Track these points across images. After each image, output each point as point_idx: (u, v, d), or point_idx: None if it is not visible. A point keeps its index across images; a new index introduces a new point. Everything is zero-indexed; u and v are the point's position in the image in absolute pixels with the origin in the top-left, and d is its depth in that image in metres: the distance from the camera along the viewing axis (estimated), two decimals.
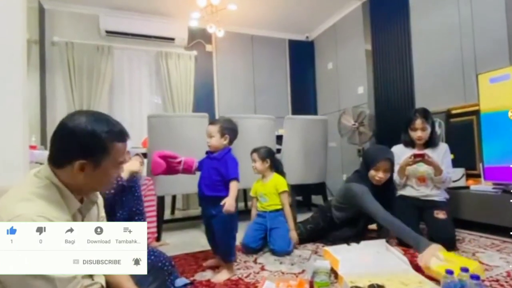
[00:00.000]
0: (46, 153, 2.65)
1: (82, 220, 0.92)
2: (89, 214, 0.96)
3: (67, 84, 3.64)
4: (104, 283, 0.96)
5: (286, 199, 2.28)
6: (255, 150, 2.30)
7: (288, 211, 2.30)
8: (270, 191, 2.25)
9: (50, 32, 3.70)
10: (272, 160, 2.29)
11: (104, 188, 0.96)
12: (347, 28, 4.18)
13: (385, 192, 2.07)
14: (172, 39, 4.11)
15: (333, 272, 1.57)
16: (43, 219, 0.74)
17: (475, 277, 1.16)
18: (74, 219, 0.87)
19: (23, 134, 2.27)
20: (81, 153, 0.81)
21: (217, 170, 1.65)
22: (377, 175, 2.01)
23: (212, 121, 1.80)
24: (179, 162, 1.70)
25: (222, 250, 1.67)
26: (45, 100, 3.61)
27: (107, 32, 3.84)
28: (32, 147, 2.62)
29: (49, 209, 0.79)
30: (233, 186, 1.61)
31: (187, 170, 1.73)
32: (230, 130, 1.74)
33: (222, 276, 1.62)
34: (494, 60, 2.47)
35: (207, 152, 1.74)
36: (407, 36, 3.31)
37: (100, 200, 1.05)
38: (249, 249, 2.05)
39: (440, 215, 2.07)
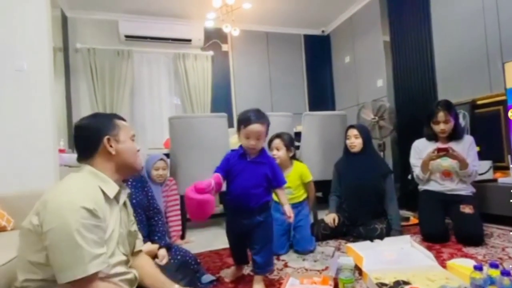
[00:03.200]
0: (74, 156, 2.77)
1: (120, 209, 1.01)
2: (123, 208, 1.04)
3: (91, 89, 3.78)
4: (137, 274, 1.02)
5: (312, 188, 2.25)
6: (278, 136, 2.11)
7: (312, 199, 2.28)
8: (295, 183, 2.14)
9: (73, 39, 3.85)
10: (294, 149, 2.19)
11: (134, 164, 1.05)
12: (364, 20, 4.10)
13: (364, 160, 2.24)
14: (189, 40, 4.17)
15: (357, 269, 1.57)
16: (83, 195, 0.86)
17: (506, 272, 1.13)
18: (111, 204, 0.96)
19: (52, 138, 2.39)
20: (103, 132, 0.98)
21: (266, 175, 1.47)
22: (350, 141, 2.27)
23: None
24: (212, 189, 1.34)
25: (263, 261, 1.48)
26: (70, 105, 3.77)
27: (126, 36, 3.94)
28: (61, 151, 2.75)
29: (88, 189, 0.90)
30: (284, 193, 1.59)
31: (218, 190, 1.41)
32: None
33: None
34: None
35: (242, 155, 1.47)
36: (428, 25, 3.21)
37: (129, 206, 1.11)
38: (278, 255, 1.93)
39: (467, 209, 2.01)
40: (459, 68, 2.92)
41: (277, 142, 2.08)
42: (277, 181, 1.51)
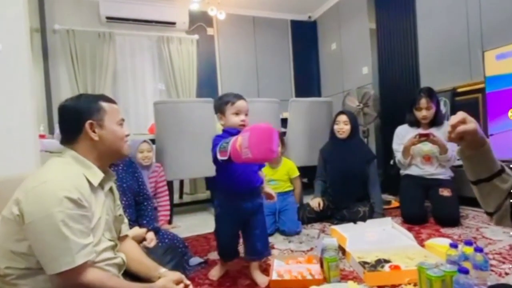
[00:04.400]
0: (54, 142, 2.69)
1: (105, 196, 0.98)
2: (108, 194, 1.02)
3: (71, 72, 3.64)
4: (124, 258, 1.03)
5: (299, 183, 2.34)
6: None
7: (299, 194, 2.37)
8: (281, 178, 2.28)
9: (51, 20, 3.66)
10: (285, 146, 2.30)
11: (121, 150, 1.00)
12: (350, 7, 4.09)
13: (350, 146, 2.31)
14: (173, 23, 4.06)
15: (341, 249, 1.63)
16: (67, 184, 0.83)
17: (479, 249, 1.20)
18: (96, 191, 0.93)
19: (32, 123, 2.31)
20: (86, 116, 0.93)
21: None
22: (339, 127, 2.32)
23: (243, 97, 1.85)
24: None
25: (263, 245, 1.46)
26: (49, 89, 3.62)
27: (108, 18, 3.79)
28: (41, 136, 2.66)
29: (72, 177, 0.87)
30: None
31: None
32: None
33: (263, 278, 1.40)
34: (501, 36, 2.43)
35: (238, 133, 1.33)
36: (412, 14, 3.25)
37: (116, 191, 1.10)
38: None
39: (445, 192, 2.11)
40: (441, 56, 2.99)
41: None
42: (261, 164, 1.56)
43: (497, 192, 0.77)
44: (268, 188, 1.51)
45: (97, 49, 3.72)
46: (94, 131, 0.93)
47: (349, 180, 2.24)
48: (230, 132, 1.35)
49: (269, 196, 1.49)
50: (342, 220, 2.16)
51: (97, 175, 0.93)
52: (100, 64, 3.73)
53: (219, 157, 1.14)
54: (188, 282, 1.06)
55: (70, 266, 0.79)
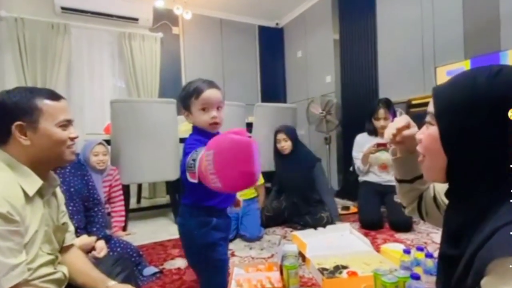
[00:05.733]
0: None
1: (43, 205, 0.86)
2: (48, 204, 0.90)
3: (18, 65, 3.32)
4: (66, 272, 0.92)
5: (263, 190, 2.34)
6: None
7: (263, 200, 2.36)
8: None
9: None
10: None
11: (61, 156, 0.87)
12: (316, 17, 4.21)
13: (294, 158, 2.36)
14: (136, 19, 3.88)
15: (301, 255, 1.63)
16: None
17: (429, 255, 1.26)
18: (33, 201, 0.82)
19: None
20: (14, 116, 0.79)
21: None
22: (280, 145, 2.36)
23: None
24: None
25: None
26: None
27: (63, 8, 3.52)
28: None
29: (2, 186, 0.74)
30: None
31: None
32: None
33: None
34: (451, 54, 2.63)
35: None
36: (373, 28, 3.41)
37: (60, 194, 0.99)
38: None
39: (399, 199, 2.21)
40: (398, 70, 3.17)
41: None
42: None
43: (414, 192, 0.87)
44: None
45: (50, 41, 3.44)
46: (24, 135, 0.80)
47: (301, 190, 2.31)
48: (203, 132, 1.02)
49: (237, 203, 1.43)
50: (305, 226, 2.17)
51: (33, 183, 0.81)
52: (53, 57, 3.45)
53: (189, 178, 0.87)
54: None
55: None
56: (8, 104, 0.80)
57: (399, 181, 0.89)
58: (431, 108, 0.60)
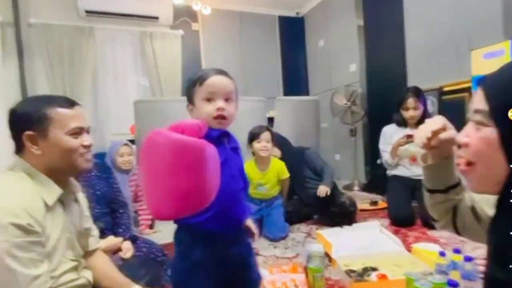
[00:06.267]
0: None
1: (64, 213, 0.87)
2: (70, 210, 0.91)
3: (48, 69, 3.47)
4: (90, 278, 0.94)
5: (287, 184, 2.27)
6: (266, 128, 2.08)
7: (286, 194, 2.30)
8: (272, 180, 2.14)
9: (26, 14, 3.47)
10: None
11: (73, 165, 0.85)
12: (338, 3, 4.03)
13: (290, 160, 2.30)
14: (156, 17, 3.91)
15: (327, 255, 1.58)
16: (15, 208, 0.71)
17: (468, 258, 1.16)
18: (53, 210, 0.82)
19: (4, 124, 2.17)
20: (24, 125, 0.80)
21: (242, 171, 0.89)
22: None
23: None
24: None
25: None
26: (25, 87, 3.44)
27: (87, 12, 3.62)
28: None
29: (22, 196, 0.76)
30: None
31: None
32: None
33: None
34: (488, 35, 2.41)
35: (222, 135, 0.83)
36: (400, 10, 3.20)
37: (83, 199, 1.00)
38: None
39: None
40: (429, 55, 2.96)
41: (268, 134, 2.04)
42: (246, 180, 0.90)
43: (448, 203, 0.76)
44: (251, 223, 0.98)
45: (76, 45, 3.55)
46: (36, 144, 0.80)
47: (306, 180, 2.31)
48: (208, 134, 0.75)
49: (251, 234, 0.98)
50: (331, 218, 2.10)
51: (53, 192, 0.82)
52: (79, 60, 3.56)
53: None
54: None
55: None
56: (19, 114, 0.81)
57: (430, 191, 0.78)
58: (479, 105, 0.51)
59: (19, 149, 0.82)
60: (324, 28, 4.32)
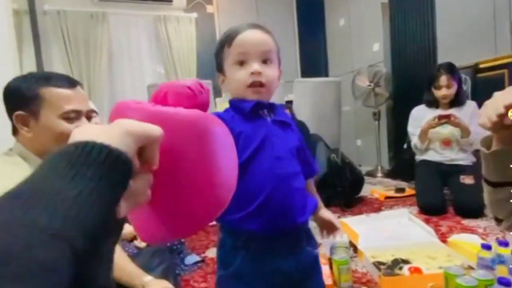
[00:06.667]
0: None
1: None
2: None
3: (64, 55, 3.46)
4: None
5: None
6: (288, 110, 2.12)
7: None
8: None
9: (40, 1, 3.45)
10: None
11: None
12: None
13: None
14: (170, 0, 3.81)
15: (352, 246, 1.47)
16: None
17: None
18: None
19: None
20: (15, 104, 0.73)
21: (298, 150, 0.69)
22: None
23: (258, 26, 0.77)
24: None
25: None
26: None
27: None
28: None
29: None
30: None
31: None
32: None
33: None
34: None
35: (252, 110, 0.64)
36: None
37: None
38: None
39: (467, 180, 1.91)
40: (462, 29, 2.71)
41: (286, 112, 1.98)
42: (309, 165, 0.72)
43: None
44: (327, 213, 0.77)
45: (90, 30, 3.52)
46: (27, 125, 0.73)
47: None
48: (238, 104, 0.64)
49: (331, 228, 0.77)
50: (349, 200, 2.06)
51: None
52: (94, 46, 3.53)
53: None
54: None
55: None
56: (11, 91, 0.74)
57: (494, 184, 0.64)
58: None
59: (13, 130, 0.76)
60: (345, 6, 4.08)
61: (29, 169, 0.73)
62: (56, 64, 3.51)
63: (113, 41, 3.71)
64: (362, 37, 3.82)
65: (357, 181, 2.29)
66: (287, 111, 1.94)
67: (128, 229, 1.44)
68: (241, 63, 0.64)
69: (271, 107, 0.67)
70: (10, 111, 0.74)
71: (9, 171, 0.71)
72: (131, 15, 3.77)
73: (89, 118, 0.79)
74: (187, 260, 1.50)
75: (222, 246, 0.66)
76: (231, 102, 0.68)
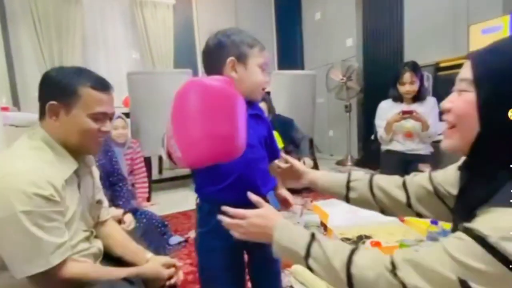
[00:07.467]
0: (20, 115, 2.48)
1: (78, 185, 0.87)
2: (84, 183, 0.91)
3: (34, 38, 3.32)
4: (101, 247, 0.95)
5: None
6: (263, 99, 2.22)
7: None
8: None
9: None
10: None
11: (84, 146, 0.84)
12: None
13: None
14: None
15: (323, 226, 1.63)
16: (37, 179, 0.72)
17: None
18: (71, 182, 0.83)
19: None
20: (51, 94, 0.79)
21: (265, 139, 0.86)
22: None
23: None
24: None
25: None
26: (11, 57, 3.30)
27: None
28: (4, 109, 2.44)
29: (43, 167, 0.75)
30: None
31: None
32: None
33: None
34: (487, 9, 2.39)
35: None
36: None
37: (96, 172, 1.00)
38: None
39: (424, 168, 2.14)
40: (426, 29, 2.94)
41: (262, 104, 2.09)
42: (274, 150, 0.91)
43: (366, 201, 0.82)
44: (284, 191, 0.96)
45: (63, 13, 3.39)
46: (56, 115, 0.79)
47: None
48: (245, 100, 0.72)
49: (286, 203, 0.96)
50: None
51: (70, 165, 0.82)
52: (67, 30, 3.41)
53: (162, 154, 0.74)
54: (179, 263, 1.01)
55: (43, 268, 0.71)
56: (52, 80, 0.80)
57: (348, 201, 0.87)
58: (465, 74, 0.55)
59: (42, 115, 0.81)
60: (321, 1, 4.21)
61: (53, 156, 0.79)
62: (25, 47, 3.37)
63: (87, 25, 3.60)
64: (337, 32, 3.99)
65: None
66: (263, 104, 2.04)
67: (114, 212, 1.51)
68: (263, 69, 0.79)
69: (248, 103, 0.80)
70: (44, 98, 0.79)
71: (38, 157, 0.77)
72: None
73: (110, 119, 0.87)
74: (171, 241, 1.59)
75: (201, 210, 0.83)
76: None
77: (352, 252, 0.56)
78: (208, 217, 0.78)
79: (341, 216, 1.69)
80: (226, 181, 0.75)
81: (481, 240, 0.43)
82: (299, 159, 2.15)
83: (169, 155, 0.68)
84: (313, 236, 0.62)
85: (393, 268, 0.50)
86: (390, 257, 0.52)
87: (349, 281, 0.54)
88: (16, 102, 3.20)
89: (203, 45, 0.85)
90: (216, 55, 0.79)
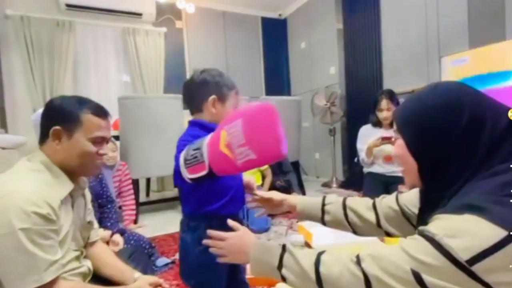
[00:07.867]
0: (8, 137, 2.49)
1: (72, 206, 0.92)
2: (77, 204, 0.96)
3: (26, 63, 3.37)
4: (90, 266, 0.98)
5: (270, 171, 2.38)
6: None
7: (269, 182, 2.41)
8: (253, 171, 2.28)
9: (2, 5, 3.36)
10: None
11: (83, 168, 0.90)
12: (319, 6, 4.18)
13: None
14: (139, 14, 3.89)
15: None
16: (36, 198, 0.76)
17: None
18: (65, 202, 0.87)
19: None
20: (56, 119, 0.85)
21: None
22: None
23: None
24: None
25: None
26: (1, 79, 3.34)
27: (67, 5, 3.55)
28: None
29: (41, 187, 0.80)
30: None
31: None
32: None
33: None
34: (456, 43, 2.62)
35: None
36: (377, 17, 3.39)
37: (88, 194, 1.04)
38: None
39: (404, 188, 2.24)
40: (403, 60, 3.16)
41: None
42: None
43: (339, 222, 0.92)
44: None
45: (56, 39, 3.48)
46: (59, 139, 0.85)
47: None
48: (207, 126, 0.88)
49: (249, 187, 1.03)
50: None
51: (66, 187, 0.86)
52: (59, 55, 3.49)
53: (188, 175, 0.75)
54: (166, 285, 1.03)
55: (36, 284, 0.74)
56: (57, 107, 0.86)
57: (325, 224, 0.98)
58: (394, 126, 0.68)
59: (43, 140, 0.87)
60: (306, 31, 4.46)
61: (50, 176, 0.84)
62: (16, 71, 3.41)
63: (79, 50, 3.69)
64: (320, 60, 4.21)
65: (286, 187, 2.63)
66: None
67: (102, 234, 1.53)
68: (235, 108, 0.95)
69: None
70: (48, 124, 0.85)
71: (36, 177, 0.81)
72: (99, 25, 3.79)
73: (107, 142, 0.94)
74: (158, 262, 1.60)
75: (196, 229, 0.89)
76: (204, 124, 0.92)
77: (321, 253, 0.63)
78: (206, 234, 0.81)
79: (325, 236, 1.75)
80: (228, 195, 0.89)
81: (429, 238, 0.51)
82: (289, 193, 2.25)
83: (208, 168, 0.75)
84: (284, 247, 0.67)
85: (358, 260, 0.58)
86: (356, 254, 0.60)
87: (318, 280, 0.60)
88: (3, 124, 3.19)
89: (192, 72, 0.97)
90: (200, 91, 0.92)
